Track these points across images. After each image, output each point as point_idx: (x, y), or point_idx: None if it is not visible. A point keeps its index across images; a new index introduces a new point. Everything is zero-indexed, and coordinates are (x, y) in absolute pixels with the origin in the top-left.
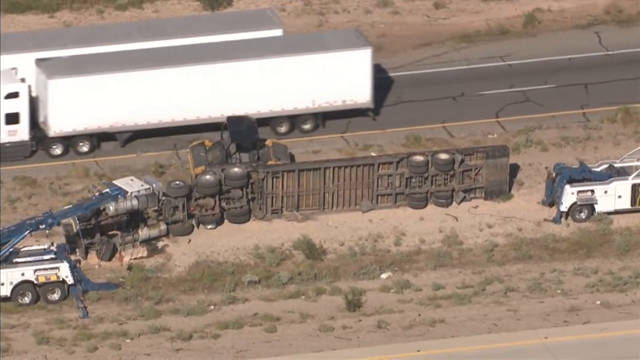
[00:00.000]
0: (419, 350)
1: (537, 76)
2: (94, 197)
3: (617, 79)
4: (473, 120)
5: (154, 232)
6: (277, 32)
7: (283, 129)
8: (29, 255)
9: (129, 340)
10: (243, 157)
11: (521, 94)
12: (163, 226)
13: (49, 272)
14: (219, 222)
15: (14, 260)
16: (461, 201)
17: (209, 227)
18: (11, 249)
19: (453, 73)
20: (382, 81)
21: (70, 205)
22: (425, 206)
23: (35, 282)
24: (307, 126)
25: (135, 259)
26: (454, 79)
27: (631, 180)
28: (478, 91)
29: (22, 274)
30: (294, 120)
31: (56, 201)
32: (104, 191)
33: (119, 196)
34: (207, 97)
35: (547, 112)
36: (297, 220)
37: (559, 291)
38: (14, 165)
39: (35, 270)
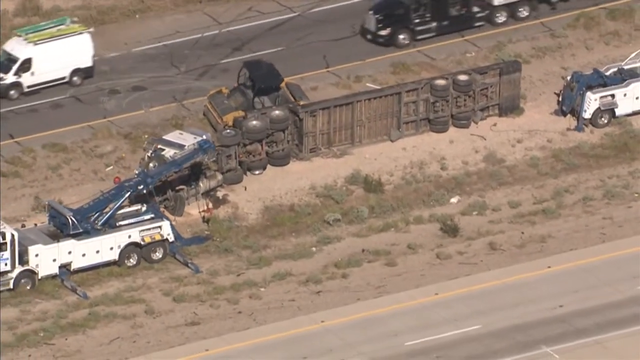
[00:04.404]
0: (549, 267)
1: None
2: (154, 158)
3: None
4: (442, 42)
5: (213, 183)
6: None
7: None
8: (126, 218)
9: (263, 289)
10: (265, 101)
11: None
12: (220, 176)
13: (152, 232)
14: (264, 166)
15: (117, 224)
16: (480, 120)
17: (257, 172)
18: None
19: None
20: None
21: (164, 163)
22: (447, 129)
23: (141, 242)
24: None
25: (203, 211)
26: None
27: None
28: None
29: (129, 237)
30: None
31: (96, 164)
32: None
33: (210, 149)
34: None
35: (507, 25)
36: (335, 156)
37: (636, 195)
38: (36, 133)
39: (141, 232)
